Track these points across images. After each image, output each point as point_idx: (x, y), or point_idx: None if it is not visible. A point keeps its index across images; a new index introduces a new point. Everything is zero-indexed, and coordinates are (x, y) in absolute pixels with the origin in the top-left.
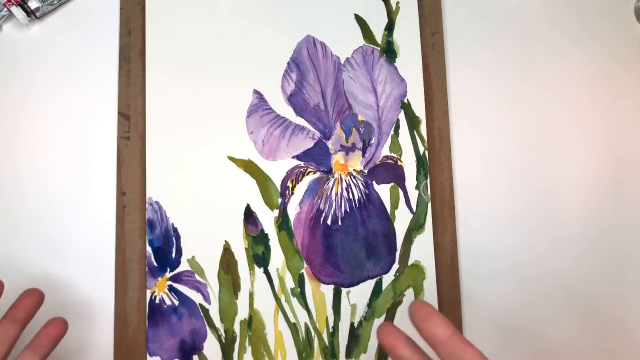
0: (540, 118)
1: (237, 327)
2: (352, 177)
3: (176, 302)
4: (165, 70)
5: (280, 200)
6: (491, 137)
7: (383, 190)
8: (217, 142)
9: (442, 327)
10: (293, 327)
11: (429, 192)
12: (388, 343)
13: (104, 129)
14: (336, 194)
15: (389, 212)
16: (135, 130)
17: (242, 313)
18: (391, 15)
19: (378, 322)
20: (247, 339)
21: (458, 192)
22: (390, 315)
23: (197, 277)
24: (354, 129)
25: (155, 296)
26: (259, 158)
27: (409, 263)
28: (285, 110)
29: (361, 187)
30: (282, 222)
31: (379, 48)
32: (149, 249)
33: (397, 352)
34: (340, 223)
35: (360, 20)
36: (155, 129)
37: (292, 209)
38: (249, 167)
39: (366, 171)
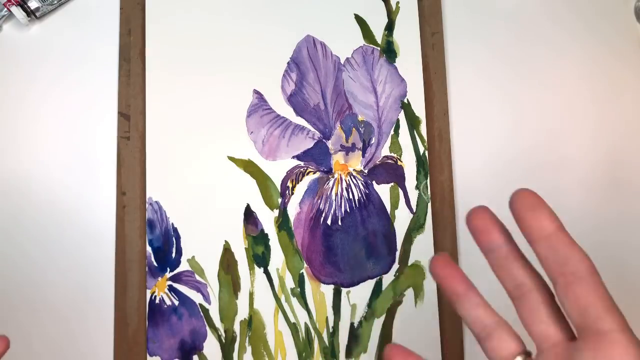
0: (541, 118)
1: (237, 327)
2: (352, 177)
3: (176, 302)
4: (165, 70)
5: (280, 200)
6: (491, 137)
7: (383, 190)
8: (217, 142)
9: (549, 220)
10: (293, 327)
11: (429, 192)
12: (479, 227)
13: (104, 128)
14: (336, 194)
15: (389, 212)
16: (135, 130)
17: (242, 313)
18: (391, 15)
19: (378, 322)
20: (247, 339)
21: (458, 192)
22: (390, 315)
23: (197, 277)
24: (354, 129)
25: (155, 296)
26: (259, 158)
27: (409, 263)
28: (285, 110)
29: (361, 187)
30: (282, 222)
31: (379, 48)
32: (149, 249)
33: (488, 238)
34: (340, 223)
35: (360, 20)
36: (155, 129)
37: (292, 209)
38: (249, 167)
39: (366, 171)
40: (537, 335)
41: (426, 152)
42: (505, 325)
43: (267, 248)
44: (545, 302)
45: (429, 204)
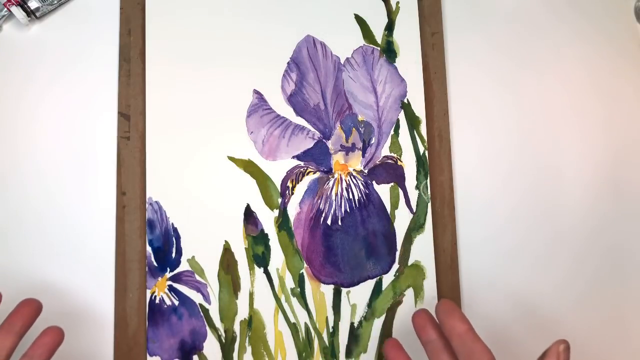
0: (541, 118)
1: (237, 327)
2: (352, 177)
3: (176, 302)
4: (165, 70)
5: (280, 200)
6: (491, 136)
7: (383, 190)
8: (217, 142)
9: (461, 322)
10: (293, 327)
11: (429, 192)
12: (419, 324)
13: (104, 128)
14: (336, 194)
15: (389, 212)
16: (135, 130)
17: (242, 313)
18: (391, 15)
19: (378, 322)
20: (247, 339)
21: (458, 192)
22: (390, 315)
23: (197, 277)
24: (354, 129)
25: (155, 296)
26: (259, 158)
27: (409, 263)
28: (285, 110)
29: (361, 187)
30: (282, 222)
31: (379, 48)
32: (149, 249)
33: (426, 333)
34: (340, 223)
35: (360, 20)
36: (155, 129)
37: (292, 209)
38: (249, 167)
39: (366, 171)
40: None
41: (426, 152)
42: None
43: (267, 248)
44: None
45: (429, 204)
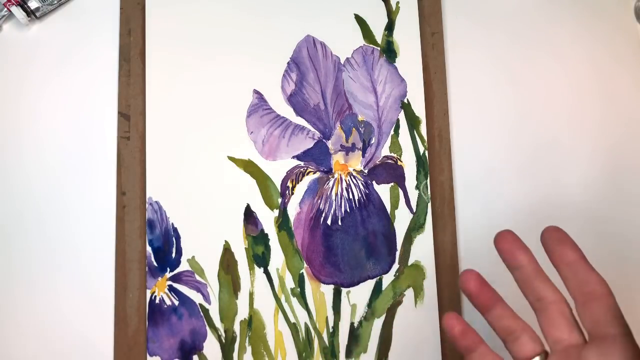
0: (541, 118)
1: (237, 327)
2: (352, 177)
3: (176, 302)
4: (165, 70)
5: (280, 200)
6: (491, 137)
7: (383, 190)
8: (217, 142)
9: (573, 250)
10: (293, 327)
11: (429, 192)
12: (505, 249)
13: (104, 128)
14: (336, 194)
15: (389, 212)
16: (135, 130)
17: (242, 313)
18: (391, 15)
19: (378, 322)
20: (247, 339)
21: (458, 192)
22: (390, 315)
23: (197, 277)
24: (354, 129)
25: (155, 296)
26: (259, 158)
27: (409, 263)
28: (285, 110)
29: (361, 187)
30: (282, 222)
31: (379, 48)
32: (149, 249)
33: (514, 259)
34: (340, 223)
35: (360, 20)
36: (155, 129)
37: (292, 209)
38: (249, 167)
39: (366, 171)
40: (552, 340)
41: (426, 152)
42: (529, 329)
43: (267, 248)
44: (562, 313)
45: (429, 204)
